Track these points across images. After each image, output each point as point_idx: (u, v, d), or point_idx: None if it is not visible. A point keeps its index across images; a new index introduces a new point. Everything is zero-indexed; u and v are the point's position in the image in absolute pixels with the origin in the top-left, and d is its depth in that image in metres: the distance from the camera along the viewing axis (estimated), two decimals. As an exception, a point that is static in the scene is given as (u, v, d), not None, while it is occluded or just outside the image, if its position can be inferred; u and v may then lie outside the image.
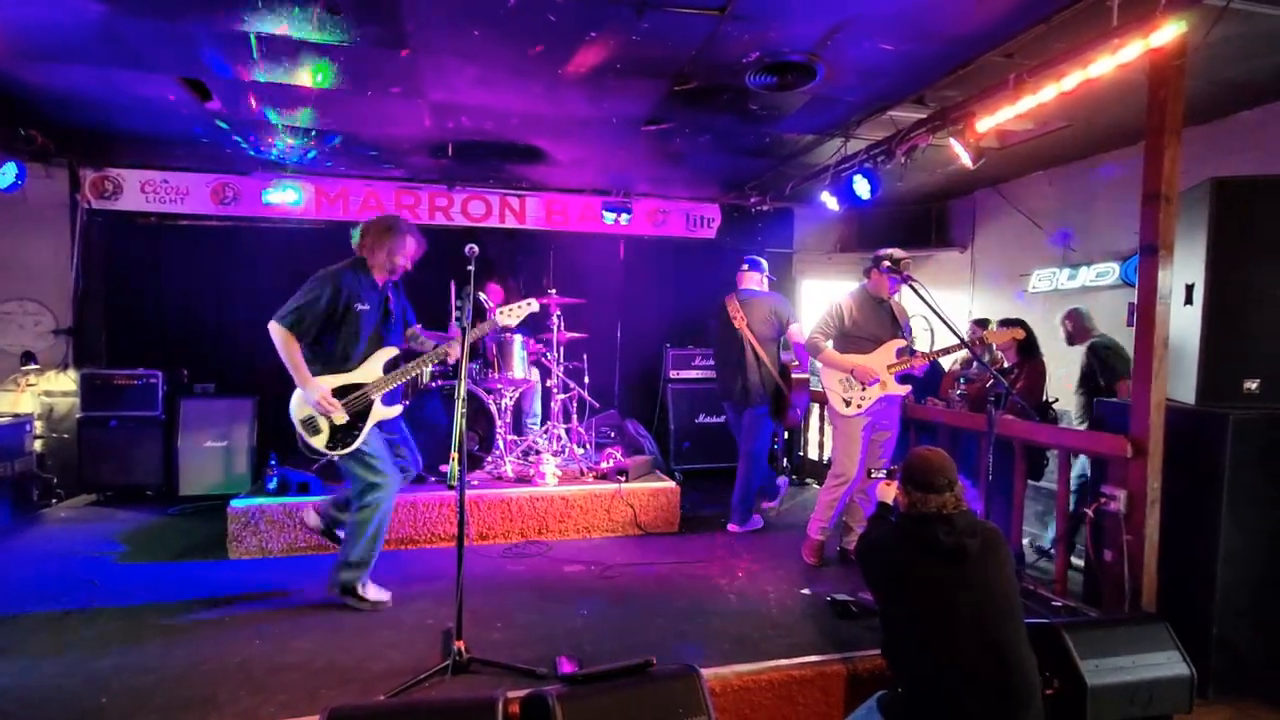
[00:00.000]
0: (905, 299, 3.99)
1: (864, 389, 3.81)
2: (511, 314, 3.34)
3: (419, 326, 3.53)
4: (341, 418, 3.11)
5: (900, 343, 3.87)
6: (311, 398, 3.06)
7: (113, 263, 5.74)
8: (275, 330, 3.04)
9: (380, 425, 3.26)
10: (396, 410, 3.30)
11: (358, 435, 3.14)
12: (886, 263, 3.76)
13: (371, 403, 3.17)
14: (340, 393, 3.12)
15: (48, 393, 5.52)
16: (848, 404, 3.85)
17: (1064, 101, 3.25)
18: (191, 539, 4.32)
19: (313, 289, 3.09)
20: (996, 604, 1.97)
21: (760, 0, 2.92)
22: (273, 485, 4.20)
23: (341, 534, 3.42)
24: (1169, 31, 2.60)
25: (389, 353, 3.27)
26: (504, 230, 6.36)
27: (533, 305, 3.41)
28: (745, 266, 4.69)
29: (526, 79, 3.80)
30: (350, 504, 3.30)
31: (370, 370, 3.20)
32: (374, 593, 3.27)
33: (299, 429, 3.12)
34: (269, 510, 4.02)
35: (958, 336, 3.59)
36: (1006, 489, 3.76)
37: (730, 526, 4.67)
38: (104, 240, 5.69)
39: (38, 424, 5.32)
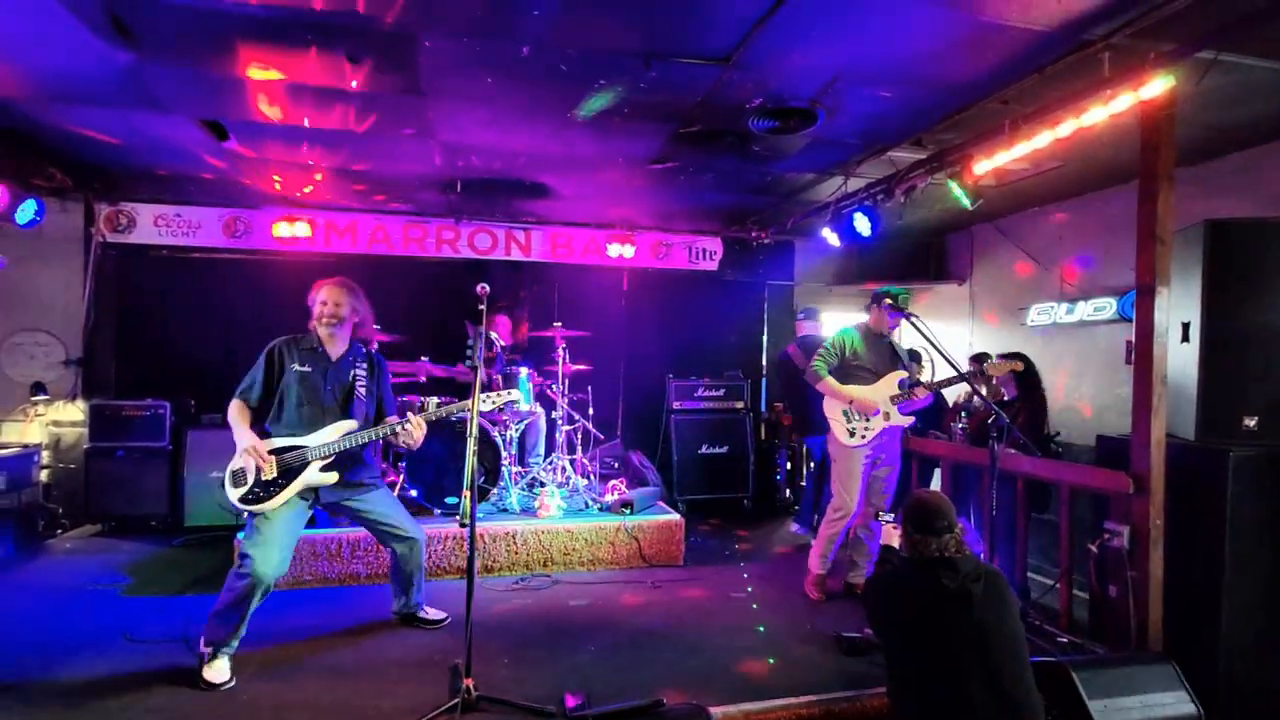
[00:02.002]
0: (906, 333, 4.09)
1: (867, 420, 3.87)
2: (489, 401, 3.34)
3: (394, 418, 3.29)
4: (270, 472, 3.03)
5: (902, 374, 3.95)
6: (241, 444, 3.05)
7: (124, 294, 5.82)
8: (231, 404, 3.18)
9: (343, 505, 3.24)
10: (333, 478, 3.12)
11: (275, 494, 3.03)
12: (887, 300, 3.88)
13: (306, 464, 3.06)
14: (278, 451, 3.08)
15: (56, 423, 5.55)
16: (852, 434, 3.89)
17: (1059, 144, 3.35)
18: (197, 571, 4.32)
19: (257, 361, 3.21)
20: (1002, 647, 2.00)
21: (763, 52, 3.04)
22: (280, 518, 4.20)
23: (424, 614, 3.54)
24: (1158, 85, 2.71)
25: (348, 425, 3.16)
26: (509, 263, 6.45)
27: (514, 395, 3.50)
28: (801, 316, 5.69)
29: (536, 122, 3.91)
30: (400, 571, 3.47)
31: (320, 437, 3.13)
32: (217, 673, 2.88)
33: (225, 479, 3.09)
34: (276, 543, 4.02)
35: (955, 369, 3.69)
36: (1010, 522, 3.79)
37: (796, 528, 5.50)
38: (116, 272, 5.78)
39: (45, 454, 5.35)
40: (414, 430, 3.15)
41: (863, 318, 4.18)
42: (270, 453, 3.05)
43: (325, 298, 3.24)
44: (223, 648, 2.93)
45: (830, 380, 3.94)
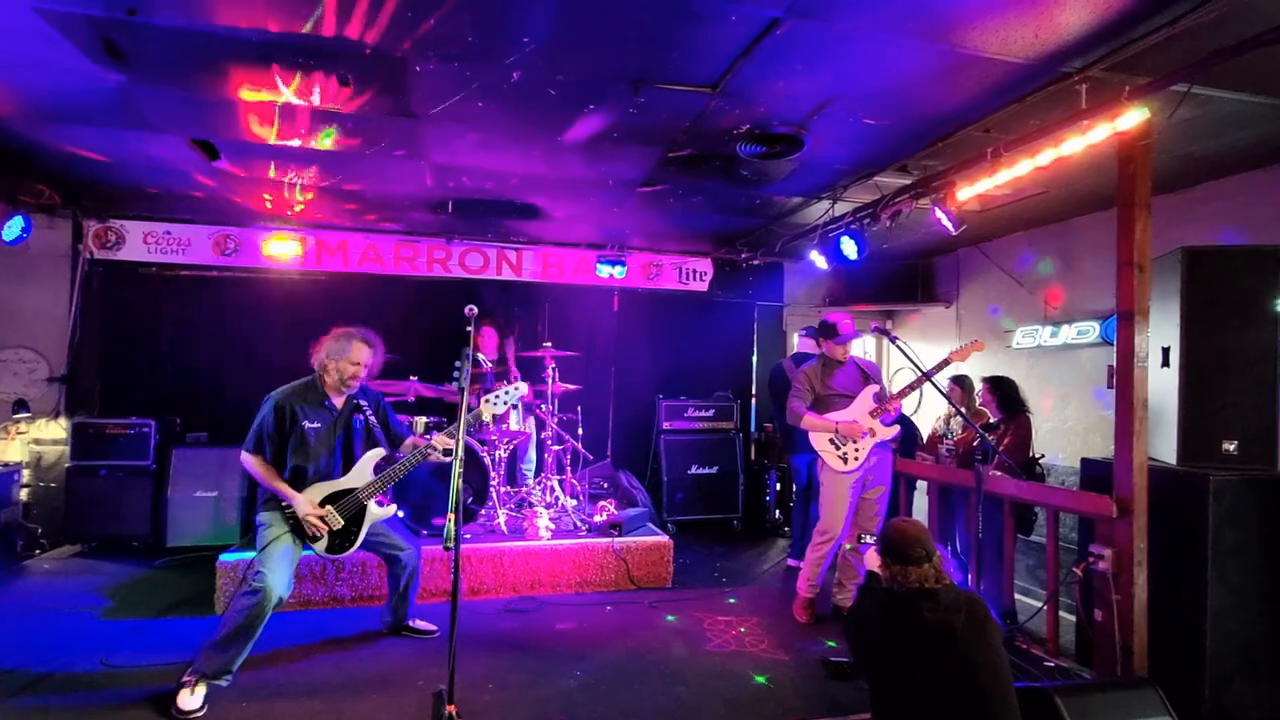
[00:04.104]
0: (893, 354, 4.14)
1: (856, 442, 3.89)
2: (498, 402, 3.31)
3: (416, 436, 3.53)
4: (337, 522, 3.18)
5: (875, 388, 4.01)
6: (300, 511, 3.13)
7: (111, 311, 5.78)
8: (244, 459, 3.17)
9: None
10: (391, 510, 3.37)
11: (354, 539, 3.24)
12: (830, 333, 4.06)
13: (364, 506, 3.24)
14: (332, 499, 3.20)
15: (37, 441, 5.48)
16: (845, 460, 3.91)
17: (1040, 172, 3.42)
18: (178, 593, 4.26)
19: (261, 412, 3.20)
20: (985, 678, 1.99)
21: (750, 80, 3.09)
22: (263, 539, 4.16)
23: (415, 624, 3.61)
24: (1134, 117, 2.77)
25: (377, 454, 3.35)
26: (500, 282, 6.46)
27: (521, 389, 3.42)
28: (802, 333, 5.51)
29: (527, 145, 3.95)
30: (397, 581, 3.51)
31: (360, 474, 3.28)
32: (192, 700, 2.81)
33: (289, 534, 3.15)
34: (259, 565, 3.98)
35: (921, 371, 3.79)
36: (997, 544, 3.80)
37: (791, 561, 5.18)
38: (104, 289, 5.75)
39: (26, 473, 5.27)
40: (436, 452, 3.23)
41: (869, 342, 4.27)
42: (322, 503, 3.16)
43: (361, 359, 3.26)
44: (220, 677, 2.91)
45: (810, 416, 3.98)
